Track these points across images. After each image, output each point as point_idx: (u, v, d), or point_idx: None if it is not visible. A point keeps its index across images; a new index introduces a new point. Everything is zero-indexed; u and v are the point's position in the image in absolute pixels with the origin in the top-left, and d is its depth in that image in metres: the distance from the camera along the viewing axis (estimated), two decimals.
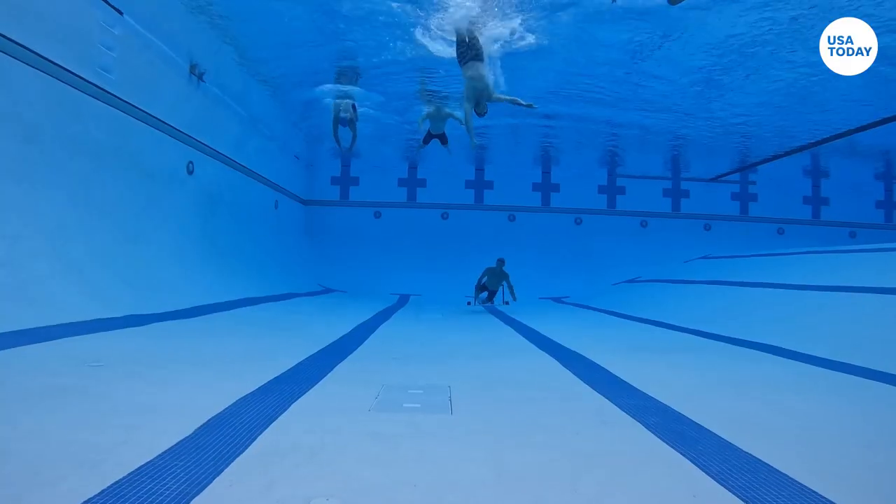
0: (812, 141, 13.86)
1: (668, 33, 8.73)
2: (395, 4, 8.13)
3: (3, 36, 5.39)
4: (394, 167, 17.77)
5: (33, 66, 5.80)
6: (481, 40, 8.28)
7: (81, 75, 6.50)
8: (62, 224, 6.19)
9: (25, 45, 5.63)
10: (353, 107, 10.83)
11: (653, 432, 2.71)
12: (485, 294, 11.43)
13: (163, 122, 8.37)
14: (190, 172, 9.43)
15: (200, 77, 9.24)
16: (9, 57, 5.49)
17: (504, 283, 10.97)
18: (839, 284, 7.03)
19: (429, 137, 10.18)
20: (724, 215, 18.39)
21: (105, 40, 6.87)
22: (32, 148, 5.90)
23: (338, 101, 10.58)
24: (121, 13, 7.07)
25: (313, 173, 17.57)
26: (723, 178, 18.17)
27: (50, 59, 5.98)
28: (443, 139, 10.18)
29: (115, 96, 7.16)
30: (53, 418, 2.57)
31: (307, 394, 3.34)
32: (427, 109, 10.43)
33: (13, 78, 5.59)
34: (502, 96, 8.63)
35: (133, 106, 7.58)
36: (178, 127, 8.82)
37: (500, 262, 10.99)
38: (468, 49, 8.26)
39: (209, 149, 10.04)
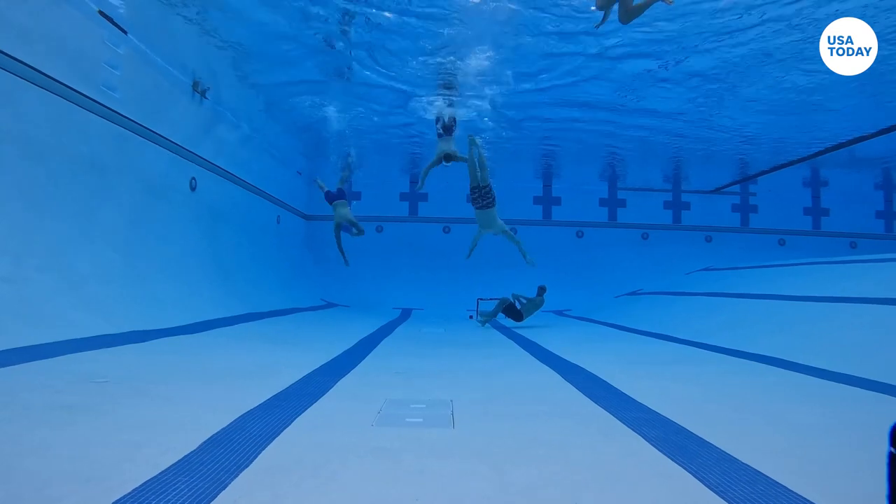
0: (811, 152, 13.94)
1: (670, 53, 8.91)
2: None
3: (9, 56, 5.48)
4: (395, 181, 17.86)
5: (39, 86, 5.88)
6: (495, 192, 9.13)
7: (86, 94, 6.59)
8: (66, 241, 6.24)
9: (31, 64, 5.72)
10: (355, 225, 10.75)
11: (654, 445, 2.72)
12: (488, 310, 11.41)
13: (166, 138, 8.47)
14: (193, 188, 9.52)
15: (203, 94, 9.36)
16: (14, 76, 5.58)
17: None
18: (840, 295, 7.04)
19: (438, 161, 9.95)
20: (725, 227, 18.42)
21: (110, 59, 6.98)
22: (37, 166, 5.97)
23: (339, 214, 10.53)
24: (125, 32, 7.18)
25: (315, 188, 17.64)
26: (723, 190, 18.22)
27: (55, 77, 6.07)
28: (449, 159, 10.04)
29: (119, 114, 7.26)
30: (58, 435, 2.59)
31: (310, 408, 3.36)
32: (435, 153, 10.16)
33: (18, 97, 5.67)
34: (508, 232, 9.59)
35: (137, 123, 7.68)
36: (181, 144, 8.92)
37: (542, 289, 10.72)
38: (481, 198, 9.12)
39: (212, 165, 10.13)
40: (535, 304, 10.58)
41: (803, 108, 10.99)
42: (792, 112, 11.30)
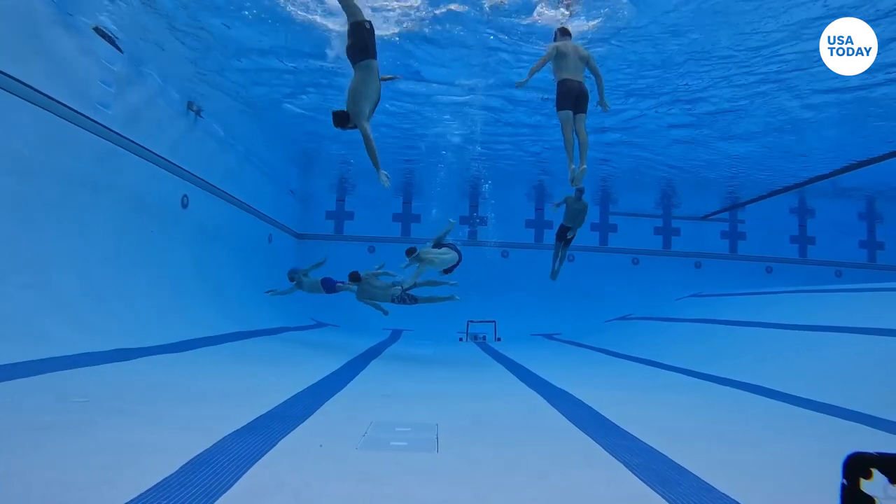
0: (799, 181, 14.21)
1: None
2: None
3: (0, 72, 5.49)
4: (389, 202, 17.94)
5: (30, 101, 5.88)
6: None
7: (79, 110, 6.60)
8: (53, 257, 6.19)
9: (22, 80, 5.72)
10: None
11: (635, 473, 2.73)
12: (478, 331, 11.40)
13: (159, 156, 8.48)
14: (184, 206, 9.51)
15: (198, 113, 9.41)
16: (4, 92, 5.57)
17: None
18: (825, 324, 7.11)
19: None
20: (713, 253, 18.59)
21: (104, 76, 7.03)
22: (26, 182, 5.94)
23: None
24: (121, 51, 7.25)
25: (308, 207, 17.71)
26: (712, 217, 18.45)
27: (48, 94, 6.08)
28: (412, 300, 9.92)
29: (112, 131, 7.27)
30: (34, 457, 2.55)
31: (295, 430, 3.33)
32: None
33: (8, 112, 5.65)
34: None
35: (130, 141, 7.70)
36: (174, 161, 8.93)
37: (580, 192, 9.65)
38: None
39: (204, 183, 10.14)
40: (581, 207, 9.77)
41: (790, 139, 11.27)
42: (779, 143, 11.58)
